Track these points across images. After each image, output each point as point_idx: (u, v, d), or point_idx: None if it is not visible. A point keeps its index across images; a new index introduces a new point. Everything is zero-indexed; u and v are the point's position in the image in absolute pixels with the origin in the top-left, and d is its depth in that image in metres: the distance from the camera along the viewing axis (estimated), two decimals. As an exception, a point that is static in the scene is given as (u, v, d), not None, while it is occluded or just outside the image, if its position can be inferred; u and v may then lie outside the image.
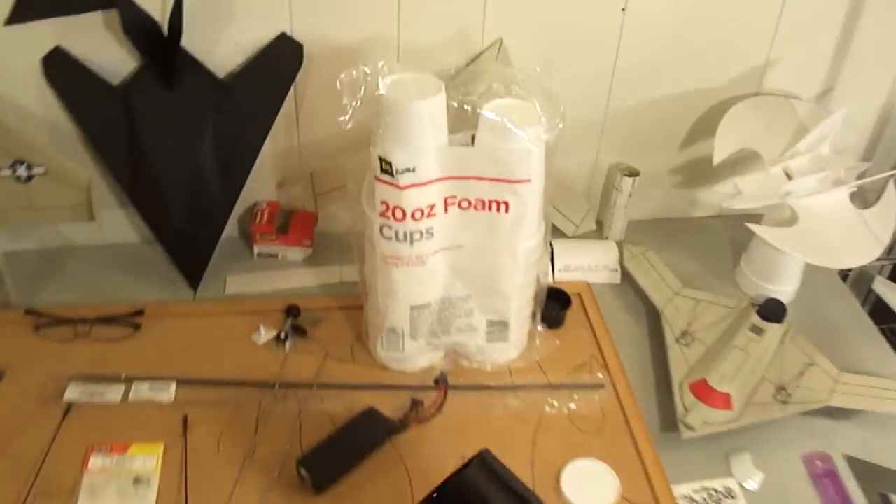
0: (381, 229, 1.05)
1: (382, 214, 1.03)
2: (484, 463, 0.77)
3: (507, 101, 1.03)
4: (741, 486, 1.07)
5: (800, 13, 1.31)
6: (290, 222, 1.38)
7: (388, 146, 0.99)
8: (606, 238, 1.46)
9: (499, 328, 1.17)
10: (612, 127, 1.40)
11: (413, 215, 1.03)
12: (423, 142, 1.00)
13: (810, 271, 1.36)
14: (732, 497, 1.06)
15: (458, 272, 1.12)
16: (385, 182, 1.01)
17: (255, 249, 1.38)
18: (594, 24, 1.28)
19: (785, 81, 1.38)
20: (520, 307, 1.16)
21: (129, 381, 1.15)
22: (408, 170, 1.00)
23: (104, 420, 1.09)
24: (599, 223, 1.49)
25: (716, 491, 1.06)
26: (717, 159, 1.31)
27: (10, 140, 1.19)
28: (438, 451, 1.08)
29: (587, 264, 1.37)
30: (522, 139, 1.00)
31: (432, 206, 1.04)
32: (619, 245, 1.42)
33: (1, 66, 1.21)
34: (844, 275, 1.55)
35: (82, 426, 1.08)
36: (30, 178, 1.21)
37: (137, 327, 1.23)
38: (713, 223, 1.55)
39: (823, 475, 1.09)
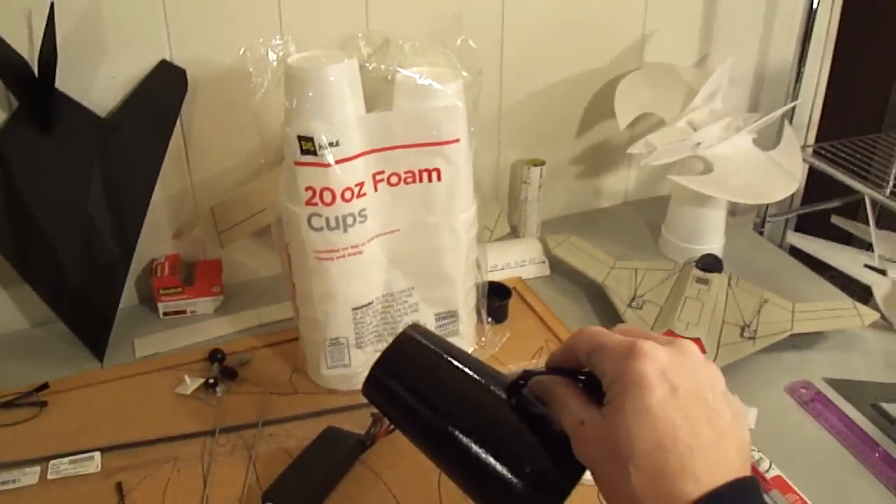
0: (309, 220, 0.94)
1: (309, 202, 0.93)
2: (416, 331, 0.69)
3: (420, 67, 0.95)
4: (737, 426, 1.01)
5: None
6: (195, 272, 1.25)
7: (306, 121, 0.90)
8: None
9: (449, 321, 1.07)
10: (508, 123, 1.37)
11: (343, 195, 0.93)
12: (343, 112, 0.91)
13: (730, 230, 1.35)
14: (732, 438, 0.99)
15: (397, 262, 1.01)
16: (308, 164, 0.91)
17: (161, 308, 1.22)
18: (478, 15, 1.25)
19: (663, 54, 1.39)
20: (466, 294, 1.07)
21: (44, 461, 0.97)
22: (332, 144, 0.90)
23: (21, 508, 0.92)
24: (513, 227, 1.43)
25: (714, 437, 0.99)
26: (622, 125, 1.30)
27: None
28: (416, 459, 0.94)
29: (514, 261, 1.30)
30: (446, 95, 0.93)
31: (361, 185, 0.94)
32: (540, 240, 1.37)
33: None
34: (759, 231, 1.56)
35: (-4, 520, 0.91)
36: None
37: (44, 405, 1.05)
38: (622, 210, 1.54)
39: (811, 400, 1.04)
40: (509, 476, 0.60)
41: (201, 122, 1.19)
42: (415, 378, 0.66)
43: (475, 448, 0.62)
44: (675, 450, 0.50)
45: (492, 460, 0.61)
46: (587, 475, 0.58)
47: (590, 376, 0.58)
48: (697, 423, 0.52)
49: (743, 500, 0.51)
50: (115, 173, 1.11)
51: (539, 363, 1.09)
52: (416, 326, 0.69)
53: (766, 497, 0.51)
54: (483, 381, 0.65)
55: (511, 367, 1.09)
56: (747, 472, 0.53)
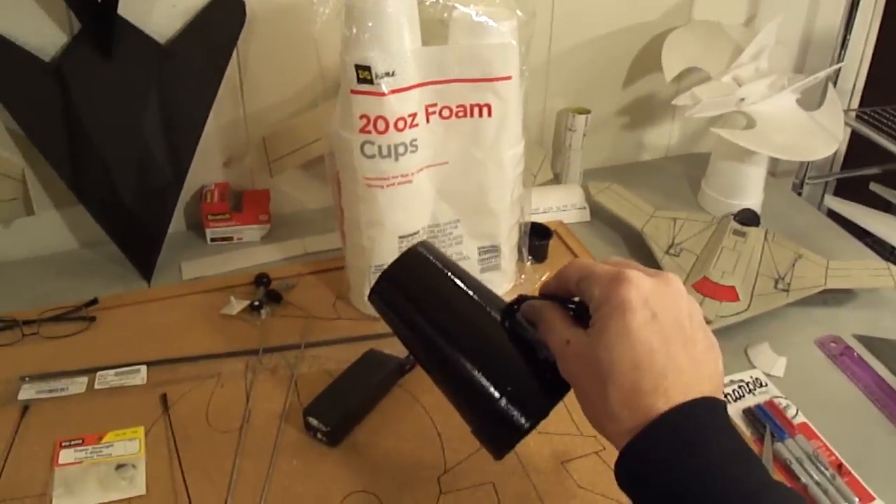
0: (362, 148, 0.95)
1: (363, 130, 0.94)
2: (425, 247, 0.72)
3: (476, 5, 0.95)
4: (766, 374, 1.01)
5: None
6: (243, 200, 1.26)
7: (364, 51, 0.90)
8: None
9: (492, 255, 1.08)
10: (556, 72, 1.37)
11: (396, 125, 0.94)
12: (400, 44, 0.92)
13: (769, 189, 1.34)
14: (763, 385, 0.99)
15: (444, 193, 1.03)
16: (364, 93, 0.92)
17: (209, 234, 1.24)
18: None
19: (712, 11, 1.38)
20: (509, 230, 1.07)
21: (91, 372, 0.99)
22: (388, 74, 0.91)
23: (69, 414, 0.93)
24: (556, 174, 1.43)
25: (745, 382, 0.99)
26: (668, 77, 1.30)
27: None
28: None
29: (555, 205, 1.31)
30: (500, 32, 0.93)
31: (414, 116, 0.95)
32: (582, 187, 1.37)
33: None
34: (798, 192, 1.56)
35: (45, 423, 0.92)
36: (-45, 172, 1.07)
37: (92, 319, 1.07)
38: (664, 163, 1.54)
39: (840, 354, 1.05)
40: (493, 391, 0.63)
41: (257, 54, 1.20)
42: (416, 291, 0.70)
43: (464, 362, 0.65)
44: (651, 370, 0.54)
45: (478, 375, 0.64)
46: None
47: (579, 304, 0.62)
48: (673, 348, 0.55)
49: (707, 415, 0.54)
50: (171, 100, 1.13)
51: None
52: (424, 243, 0.72)
53: (730, 417, 0.56)
54: (481, 302, 0.69)
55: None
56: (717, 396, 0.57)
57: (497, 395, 0.63)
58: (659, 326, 0.55)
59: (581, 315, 0.61)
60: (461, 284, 0.69)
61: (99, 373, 0.99)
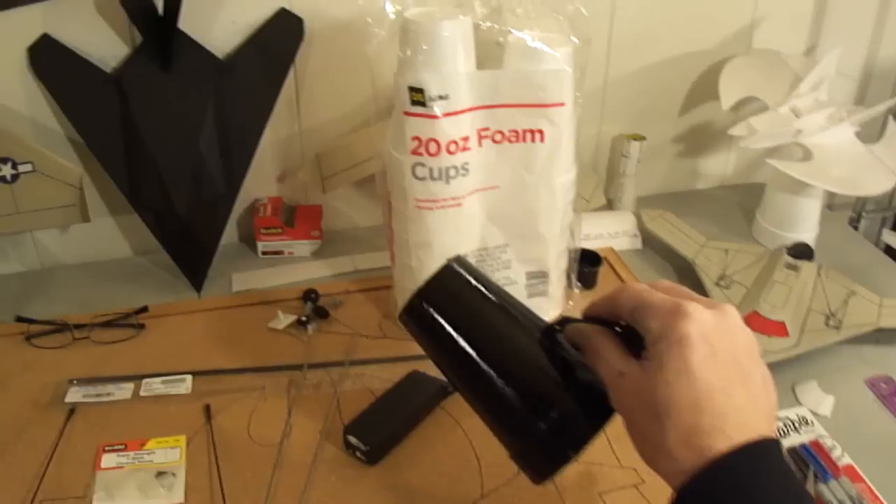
0: (413, 169, 0.95)
1: (415, 152, 0.94)
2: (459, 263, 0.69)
3: (532, 31, 0.94)
4: (813, 413, 0.98)
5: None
6: (295, 215, 1.27)
7: (418, 73, 0.90)
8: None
9: (539, 280, 1.06)
10: (612, 97, 1.35)
11: (448, 148, 0.93)
12: (455, 67, 0.91)
13: (825, 222, 1.31)
14: (809, 424, 0.96)
15: (494, 217, 1.02)
16: (417, 115, 0.92)
17: (260, 247, 1.25)
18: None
19: (771, 40, 1.35)
20: (558, 256, 1.06)
21: (138, 379, 1.00)
22: (441, 97, 0.91)
23: (114, 419, 0.95)
24: (609, 200, 1.41)
25: (791, 420, 0.96)
26: (725, 105, 1.27)
27: (-8, 137, 1.07)
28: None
29: (607, 232, 1.29)
30: (554, 59, 0.92)
31: (466, 139, 0.94)
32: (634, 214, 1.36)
33: (-19, 58, 1.10)
34: (854, 227, 1.52)
35: (90, 427, 0.93)
36: (15, 177, 1.08)
37: (141, 327, 1.09)
38: (718, 193, 1.50)
39: (891, 395, 1.01)
40: (535, 419, 0.61)
41: (314, 71, 1.21)
42: (452, 310, 0.66)
43: (504, 387, 0.62)
44: (711, 409, 0.52)
45: (519, 401, 0.62)
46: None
47: (626, 329, 0.59)
48: (732, 385, 0.53)
49: (765, 457, 0.53)
50: (228, 114, 1.14)
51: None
52: (459, 259, 0.68)
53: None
54: (520, 321, 0.66)
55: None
56: (773, 435, 0.55)
57: (540, 423, 0.60)
58: (719, 363, 0.54)
59: (630, 340, 0.59)
60: (499, 302, 0.66)
61: (145, 380, 1.01)
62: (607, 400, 0.59)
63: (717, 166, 1.50)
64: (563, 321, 0.63)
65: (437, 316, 0.65)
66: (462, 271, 0.67)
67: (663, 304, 0.56)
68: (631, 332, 0.59)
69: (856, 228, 1.51)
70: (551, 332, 0.63)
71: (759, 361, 0.57)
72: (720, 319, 0.55)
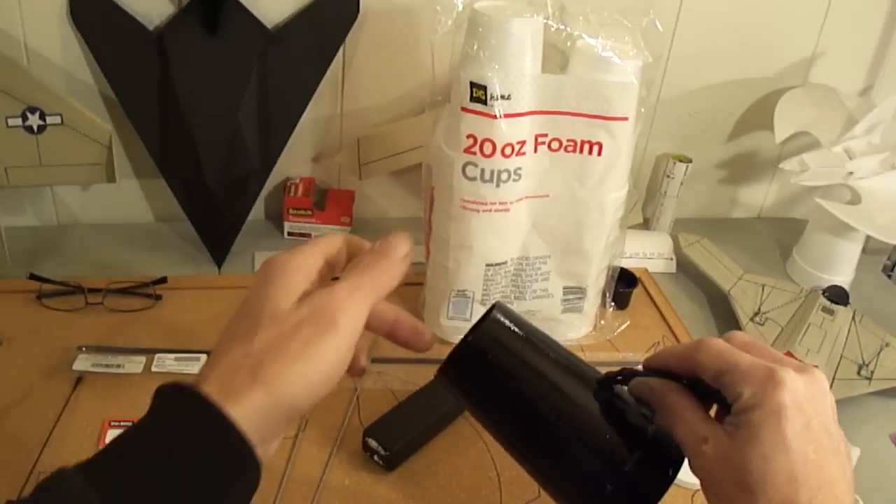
0: (463, 168, 0.90)
1: (468, 150, 0.89)
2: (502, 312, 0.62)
3: (602, 38, 0.90)
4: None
5: (846, 7, 1.26)
6: (327, 199, 1.22)
7: (482, 70, 0.85)
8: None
9: (576, 296, 1.02)
10: (662, 115, 1.31)
11: (503, 151, 0.88)
12: (521, 67, 0.87)
13: (861, 266, 1.27)
14: (831, 474, 0.93)
15: (539, 227, 0.97)
16: (475, 112, 0.87)
17: (287, 227, 1.21)
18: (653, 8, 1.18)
19: (829, 76, 1.32)
20: (598, 274, 1.02)
21: (150, 353, 0.96)
22: (503, 97, 0.86)
23: (122, 393, 0.90)
24: (646, 219, 1.37)
25: (815, 469, 0.93)
26: (778, 138, 1.23)
27: (24, 84, 1.00)
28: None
29: (642, 252, 1.25)
30: (623, 70, 0.88)
31: (523, 144, 0.90)
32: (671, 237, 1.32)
33: (22, 5, 1.04)
34: (888, 274, 1.48)
35: (96, 398, 0.89)
36: (42, 128, 1.03)
37: (158, 298, 1.04)
38: (755, 224, 1.47)
39: (917, 452, 0.98)
40: (603, 477, 0.56)
41: (364, 53, 1.16)
42: (502, 363, 0.60)
43: (567, 447, 0.58)
44: (807, 483, 0.50)
45: (585, 458, 0.58)
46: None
47: (693, 383, 0.56)
48: (826, 457, 0.51)
49: None
50: (271, 86, 1.09)
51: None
52: (501, 306, 0.62)
53: None
54: (573, 373, 0.60)
55: (625, 356, 1.04)
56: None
57: (607, 483, 0.56)
58: (814, 435, 0.51)
59: (700, 395, 0.55)
60: (550, 354, 0.61)
61: (158, 355, 0.96)
62: (674, 455, 0.56)
63: (757, 197, 1.47)
64: (626, 373, 0.59)
65: (484, 373, 0.60)
66: (508, 321, 0.61)
67: (755, 370, 0.52)
68: (698, 388, 0.55)
69: (889, 276, 1.47)
70: (609, 385, 0.59)
71: (840, 429, 0.54)
72: (812, 386, 0.52)
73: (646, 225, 1.38)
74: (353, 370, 0.55)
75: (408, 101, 1.19)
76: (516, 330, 0.61)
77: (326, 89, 1.16)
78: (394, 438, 0.85)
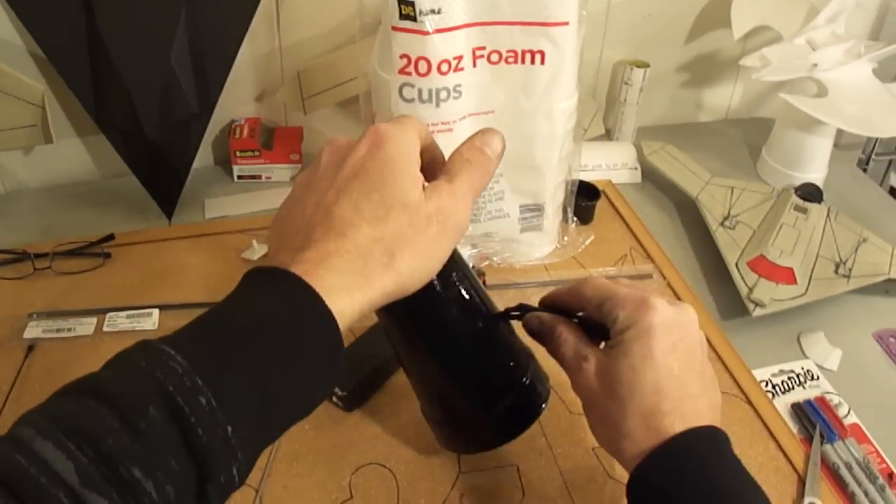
0: (400, 90, 0.84)
1: (402, 71, 0.83)
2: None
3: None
4: (819, 367, 0.90)
5: None
6: (274, 138, 1.16)
7: (408, -17, 0.79)
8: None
9: (534, 214, 0.97)
10: (615, 20, 1.23)
11: (439, 68, 0.82)
12: (448, -23, 0.80)
13: (832, 162, 1.21)
14: (815, 378, 0.88)
15: (487, 145, 0.92)
16: (406, 30, 0.80)
17: (235, 171, 1.15)
18: None
19: (788, -35, 1.24)
20: (555, 189, 0.96)
21: (101, 313, 0.91)
22: (433, 11, 0.80)
23: (75, 357, 0.86)
24: (608, 129, 1.31)
25: (795, 374, 0.88)
26: (737, 34, 1.17)
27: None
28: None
29: (605, 163, 1.19)
30: (558, -28, 0.82)
31: (460, 59, 0.83)
32: (635, 146, 1.26)
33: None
34: (863, 169, 1.43)
35: (49, 365, 0.84)
36: (-30, 93, 0.97)
37: (107, 256, 0.99)
38: (723, 126, 1.40)
39: (901, 350, 0.94)
40: (489, 402, 0.64)
41: (297, -16, 1.09)
42: (426, 296, 0.58)
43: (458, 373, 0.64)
44: (670, 393, 0.55)
45: (474, 387, 0.64)
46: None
47: (582, 320, 0.63)
48: (689, 375, 0.57)
49: (718, 443, 0.56)
50: (202, 26, 1.02)
51: (622, 270, 1.01)
52: None
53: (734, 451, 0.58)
54: (482, 307, 0.64)
55: (592, 271, 1.00)
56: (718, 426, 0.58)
57: (497, 405, 0.64)
58: (678, 354, 0.57)
59: (587, 331, 0.62)
60: (461, 288, 0.63)
61: (109, 314, 0.91)
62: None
63: (722, 99, 1.40)
64: (522, 308, 0.65)
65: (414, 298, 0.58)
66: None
67: (631, 297, 0.59)
68: (587, 323, 0.62)
69: (864, 170, 1.41)
70: (505, 318, 0.65)
71: (708, 360, 0.60)
72: (681, 315, 0.59)
73: (608, 136, 1.32)
74: None
75: (347, 28, 1.12)
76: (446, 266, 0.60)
77: (262, 25, 1.09)
78: (351, 378, 0.80)
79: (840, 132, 1.21)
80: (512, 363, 0.64)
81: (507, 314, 0.64)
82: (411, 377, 0.67)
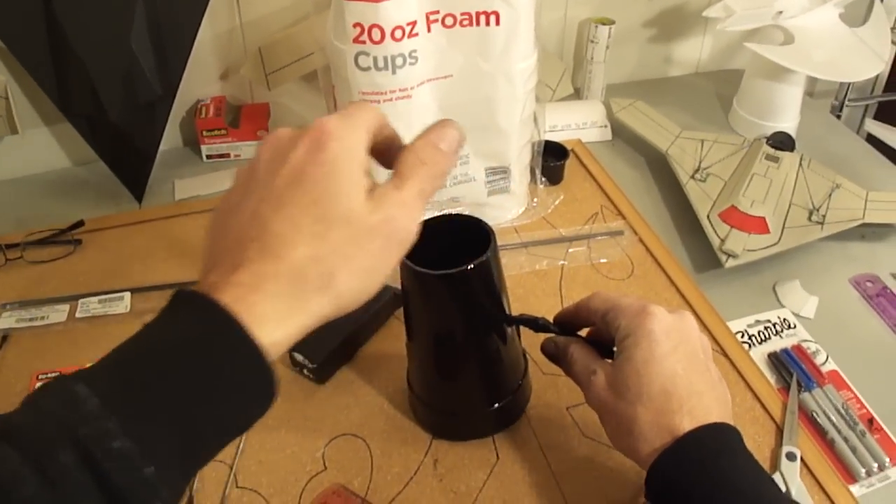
0: (356, 59, 0.82)
1: (357, 40, 0.80)
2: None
3: None
4: (795, 315, 0.89)
5: None
6: (241, 115, 1.15)
7: (356, -50, 0.77)
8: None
9: (500, 177, 0.95)
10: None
11: (393, 34, 0.80)
12: (396, -60, 0.78)
13: (805, 111, 1.19)
14: (791, 327, 0.87)
15: (447, 110, 0.89)
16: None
17: (204, 150, 1.13)
18: None
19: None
20: (520, 150, 0.95)
21: (73, 299, 0.90)
22: (383, -24, 0.78)
23: (49, 344, 0.85)
24: (576, 89, 1.29)
25: (772, 323, 0.87)
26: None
27: None
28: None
29: (574, 122, 1.17)
30: (509, -71, 0.80)
31: (413, 24, 0.81)
32: (603, 104, 1.23)
33: None
34: (836, 115, 1.40)
35: (23, 354, 0.84)
36: (-67, 89, 0.96)
37: (78, 243, 0.98)
38: (693, 80, 1.38)
39: (877, 294, 0.92)
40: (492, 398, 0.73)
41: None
42: (472, 293, 0.66)
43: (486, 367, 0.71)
44: (676, 393, 0.58)
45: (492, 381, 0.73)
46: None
47: (591, 339, 0.68)
48: (693, 375, 0.59)
49: (728, 438, 0.58)
50: (161, 6, 1.00)
51: (593, 228, 0.99)
52: (494, 244, 0.66)
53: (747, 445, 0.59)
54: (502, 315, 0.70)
55: (564, 233, 0.98)
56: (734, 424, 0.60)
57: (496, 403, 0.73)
58: (679, 356, 0.59)
59: (597, 348, 0.66)
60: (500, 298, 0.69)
61: (81, 300, 0.91)
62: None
63: (692, 52, 1.37)
64: (537, 321, 0.69)
65: (462, 291, 0.65)
66: (493, 261, 0.66)
67: (632, 306, 0.62)
68: (597, 342, 0.67)
69: (838, 117, 1.39)
70: (531, 324, 0.69)
71: (712, 361, 0.63)
72: (679, 321, 0.62)
73: (578, 95, 1.29)
74: None
75: (306, 2, 1.07)
76: (493, 271, 0.66)
77: (221, 2, 1.07)
78: (321, 349, 0.80)
79: (813, 80, 1.19)
80: (522, 366, 0.74)
81: (535, 322, 0.68)
82: (424, 359, 0.72)
